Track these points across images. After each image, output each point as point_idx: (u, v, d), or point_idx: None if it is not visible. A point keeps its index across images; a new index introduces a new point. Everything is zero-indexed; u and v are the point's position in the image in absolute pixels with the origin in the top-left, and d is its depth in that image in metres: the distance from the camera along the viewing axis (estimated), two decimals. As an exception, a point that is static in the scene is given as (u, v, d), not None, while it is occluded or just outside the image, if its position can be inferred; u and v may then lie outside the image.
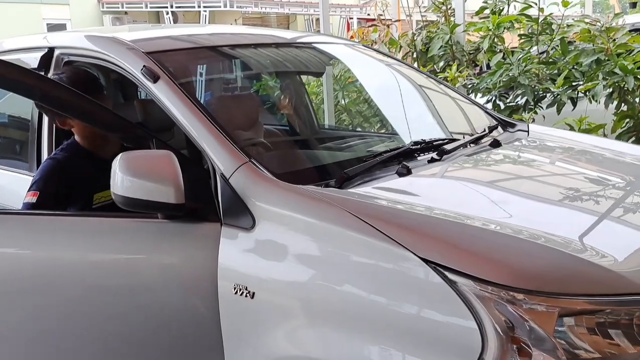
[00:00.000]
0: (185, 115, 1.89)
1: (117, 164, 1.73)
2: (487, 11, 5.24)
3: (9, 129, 3.02)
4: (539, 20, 4.84)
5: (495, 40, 4.95)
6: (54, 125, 2.48)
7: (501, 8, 5.11)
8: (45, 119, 2.49)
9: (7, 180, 2.65)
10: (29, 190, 2.22)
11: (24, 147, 2.78)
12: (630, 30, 4.38)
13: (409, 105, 2.60)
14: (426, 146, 2.10)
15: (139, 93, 3.20)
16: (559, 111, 4.74)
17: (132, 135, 1.94)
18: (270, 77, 2.67)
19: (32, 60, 2.47)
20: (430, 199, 1.71)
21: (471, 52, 5.37)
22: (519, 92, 4.75)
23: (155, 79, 1.99)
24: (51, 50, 2.47)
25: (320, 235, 1.57)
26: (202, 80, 2.67)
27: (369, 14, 19.63)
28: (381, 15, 5.80)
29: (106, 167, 2.32)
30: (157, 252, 1.84)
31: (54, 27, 16.58)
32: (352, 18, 18.68)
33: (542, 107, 4.92)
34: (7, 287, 2.01)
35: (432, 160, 2.01)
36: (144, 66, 2.03)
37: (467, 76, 4.82)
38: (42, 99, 1.97)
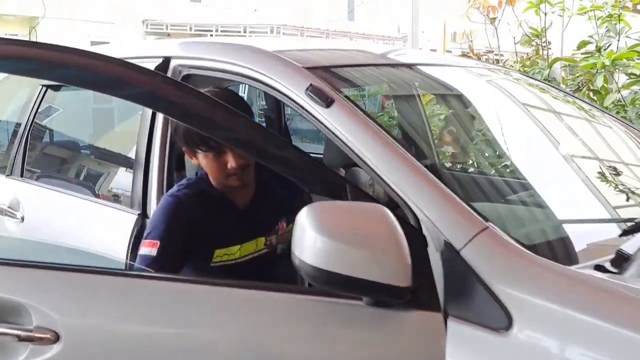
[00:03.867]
0: (383, 157, 1.32)
1: (306, 218, 1.16)
2: (590, 46, 4.69)
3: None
4: (652, 59, 4.28)
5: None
6: (168, 153, 1.95)
7: (609, 43, 4.55)
8: (157, 145, 1.95)
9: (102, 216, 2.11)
10: (146, 238, 1.67)
11: (119, 173, 2.25)
12: None
13: (600, 150, 2.02)
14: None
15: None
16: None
17: (320, 181, 1.38)
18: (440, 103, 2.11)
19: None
20: None
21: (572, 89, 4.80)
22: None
23: (328, 102, 1.44)
24: (167, 60, 1.94)
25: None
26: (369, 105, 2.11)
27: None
28: (471, 46, 5.24)
29: (237, 216, 1.76)
30: (340, 347, 1.26)
31: (97, 45, 16.31)
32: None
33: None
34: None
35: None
36: (310, 85, 1.48)
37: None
38: (211, 131, 1.43)
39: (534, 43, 5.12)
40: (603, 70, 4.22)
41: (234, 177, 1.71)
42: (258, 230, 1.81)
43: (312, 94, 1.47)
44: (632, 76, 4.47)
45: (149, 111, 1.99)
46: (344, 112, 1.43)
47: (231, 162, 1.67)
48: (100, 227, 2.05)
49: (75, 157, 2.79)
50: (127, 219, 1.94)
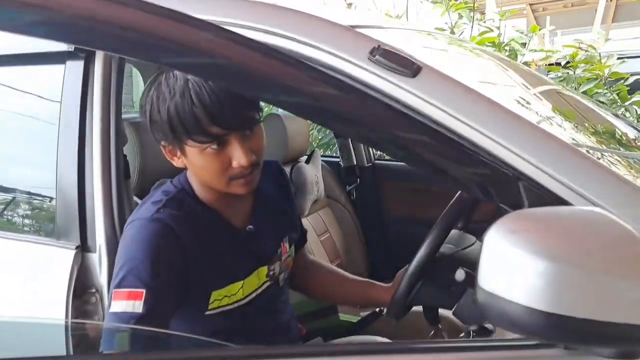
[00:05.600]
0: (532, 142, 0.95)
1: (505, 238, 0.75)
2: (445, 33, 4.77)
3: None
4: (502, 46, 4.47)
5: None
6: (115, 157, 1.35)
7: (462, 30, 4.66)
8: (97, 147, 1.33)
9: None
10: (119, 287, 1.09)
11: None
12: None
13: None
14: None
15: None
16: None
17: (492, 180, 0.93)
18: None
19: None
20: None
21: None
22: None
23: (414, 70, 1.02)
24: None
25: None
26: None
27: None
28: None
29: (236, 242, 1.26)
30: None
31: None
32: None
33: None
34: None
35: None
36: (377, 48, 1.04)
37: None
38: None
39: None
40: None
41: (239, 182, 1.19)
42: (259, 257, 1.33)
43: (384, 59, 1.03)
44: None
45: (74, 102, 1.38)
46: (442, 82, 1.02)
47: (239, 158, 1.15)
48: (11, 271, 1.36)
49: None
50: (58, 256, 1.31)
